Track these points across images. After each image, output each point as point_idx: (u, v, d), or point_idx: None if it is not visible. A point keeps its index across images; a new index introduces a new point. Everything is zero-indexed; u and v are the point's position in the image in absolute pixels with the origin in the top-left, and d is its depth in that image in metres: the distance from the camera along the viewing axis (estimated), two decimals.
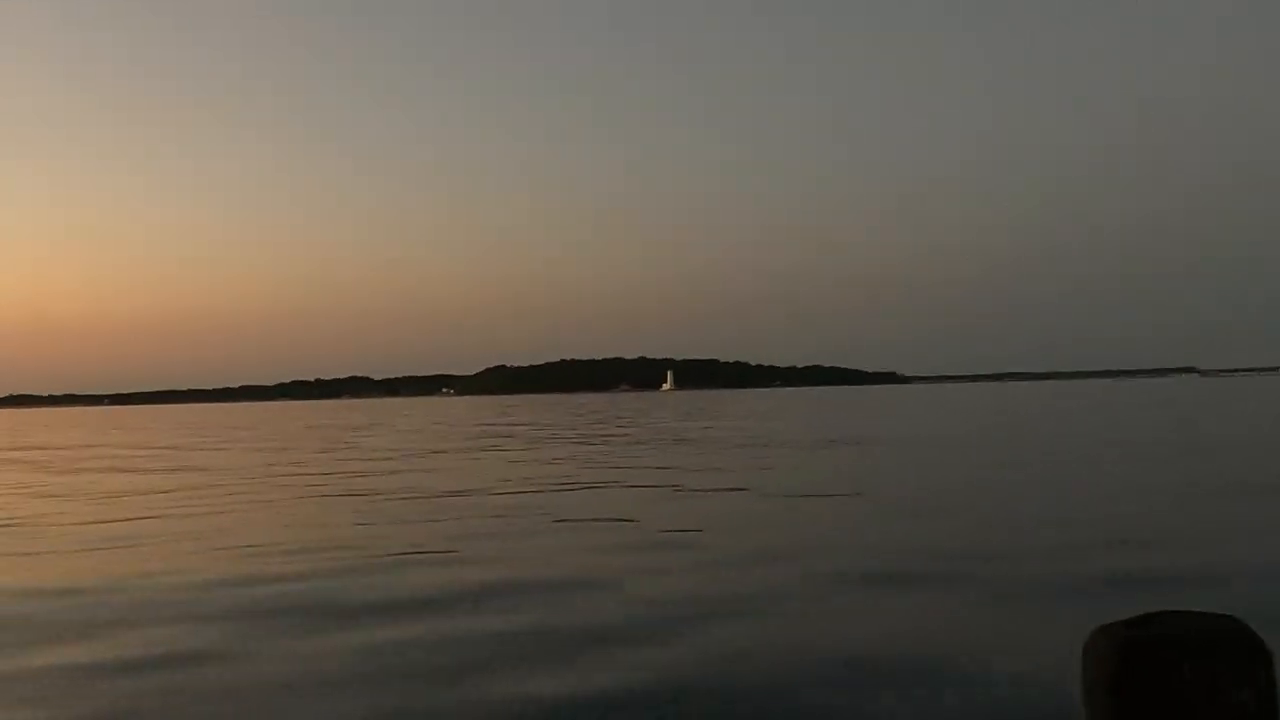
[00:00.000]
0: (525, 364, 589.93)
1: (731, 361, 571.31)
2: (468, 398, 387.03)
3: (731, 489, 16.56)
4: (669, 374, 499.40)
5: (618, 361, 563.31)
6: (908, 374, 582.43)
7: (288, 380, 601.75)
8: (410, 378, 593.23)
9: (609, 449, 27.59)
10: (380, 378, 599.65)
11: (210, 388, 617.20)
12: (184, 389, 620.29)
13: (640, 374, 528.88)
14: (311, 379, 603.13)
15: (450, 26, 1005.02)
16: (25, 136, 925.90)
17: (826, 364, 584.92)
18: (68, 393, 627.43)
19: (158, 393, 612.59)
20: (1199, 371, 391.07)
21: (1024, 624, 6.88)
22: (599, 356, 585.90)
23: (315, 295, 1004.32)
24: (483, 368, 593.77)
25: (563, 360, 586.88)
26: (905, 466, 20.07)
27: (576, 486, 17.71)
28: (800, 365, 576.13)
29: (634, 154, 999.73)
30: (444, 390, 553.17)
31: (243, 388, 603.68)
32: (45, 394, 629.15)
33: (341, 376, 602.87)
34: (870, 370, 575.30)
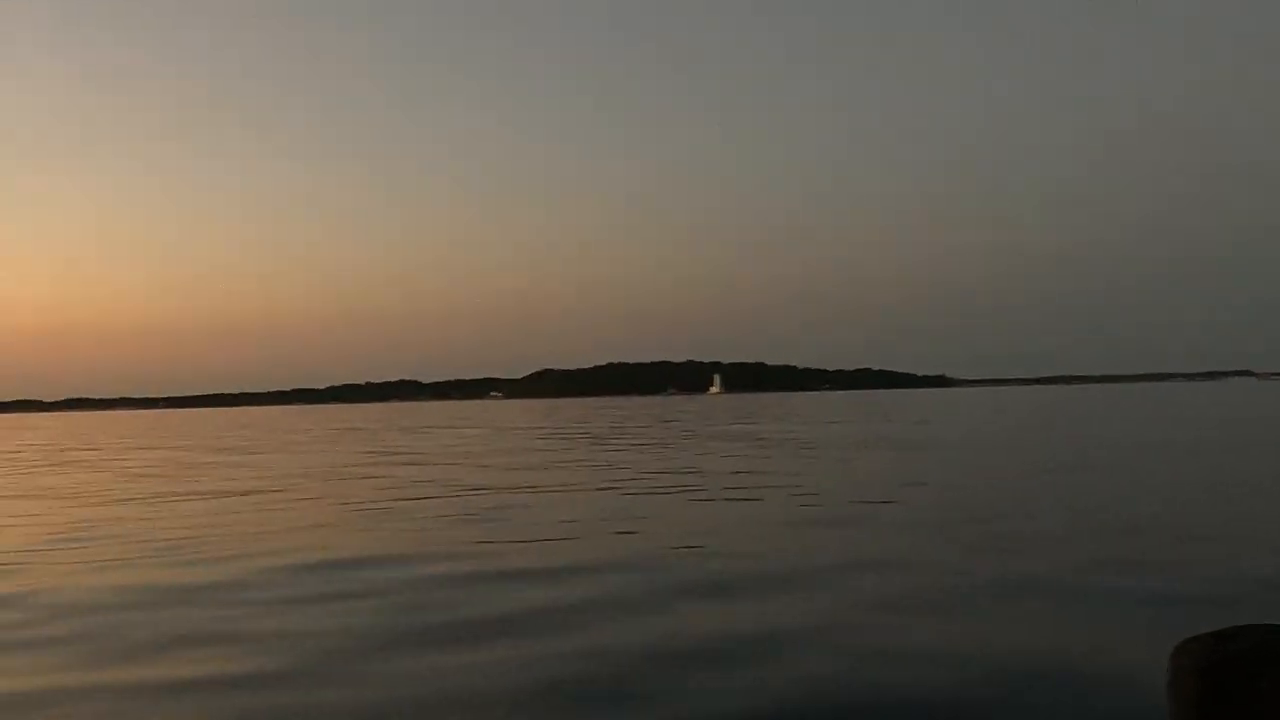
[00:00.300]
0: (572, 367, 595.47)
1: (779, 365, 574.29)
2: (516, 401, 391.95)
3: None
4: (716, 377, 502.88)
5: (665, 365, 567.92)
6: (958, 377, 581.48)
7: (339, 384, 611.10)
8: (458, 381, 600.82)
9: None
10: (429, 381, 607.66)
11: (263, 390, 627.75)
12: (235, 392, 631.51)
13: (687, 377, 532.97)
14: (361, 382, 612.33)
15: (482, 33, 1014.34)
16: (89, 150, 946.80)
17: (875, 367, 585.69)
18: (123, 395, 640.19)
19: (211, 396, 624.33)
20: (1254, 375, 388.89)
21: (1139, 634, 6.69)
22: (646, 360, 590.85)
23: (365, 300, 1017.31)
24: (530, 371, 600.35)
25: (609, 363, 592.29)
26: (974, 468, 20.42)
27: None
28: (849, 368, 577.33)
29: (679, 154, 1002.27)
30: (492, 394, 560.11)
31: (295, 390, 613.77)
32: (101, 397, 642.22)
33: (391, 380, 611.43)
34: (920, 374, 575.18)
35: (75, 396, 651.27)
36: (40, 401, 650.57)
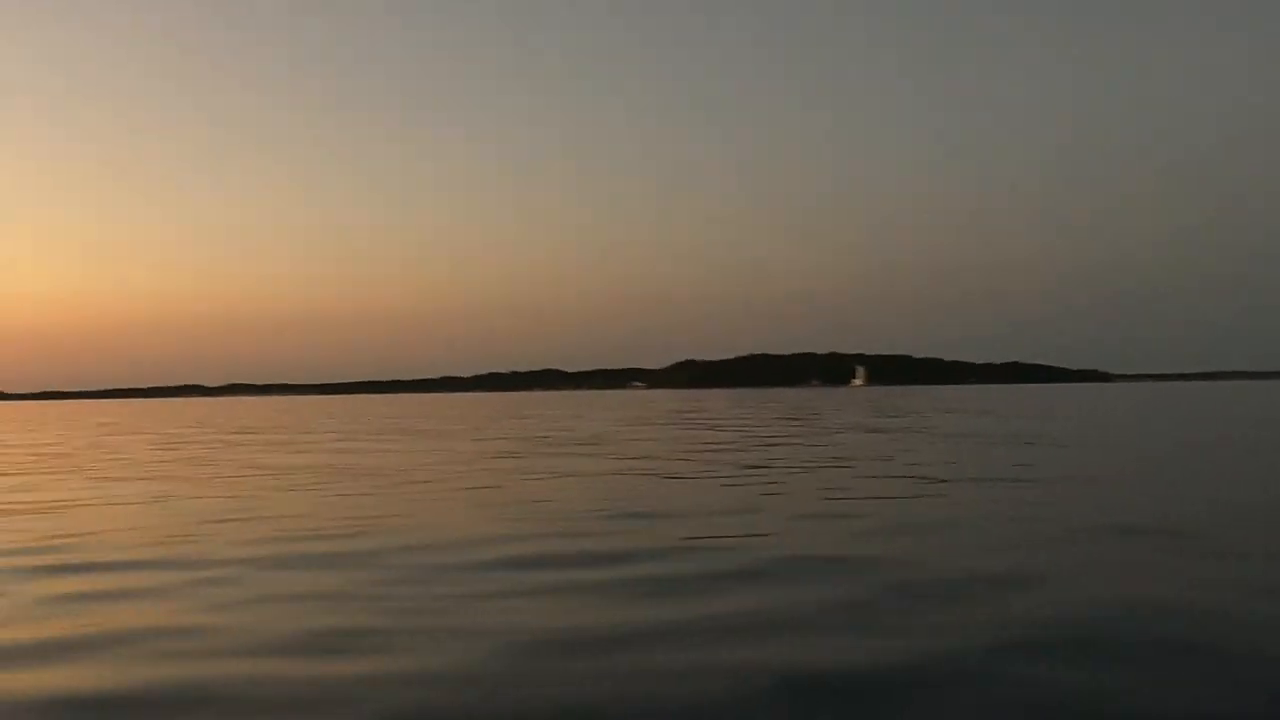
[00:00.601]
0: (714, 358, 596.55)
1: (924, 358, 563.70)
2: (658, 391, 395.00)
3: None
4: (859, 369, 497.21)
5: (808, 356, 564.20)
6: (1113, 372, 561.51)
7: (483, 373, 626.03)
8: (600, 371, 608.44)
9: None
10: (572, 371, 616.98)
11: (409, 379, 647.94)
12: (385, 380, 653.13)
13: (830, 369, 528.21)
14: (505, 371, 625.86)
15: (654, 27, 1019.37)
16: (255, 147, 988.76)
17: (1026, 361, 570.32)
18: (281, 382, 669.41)
19: (363, 383, 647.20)
20: None
21: None
22: (788, 351, 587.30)
23: (511, 290, 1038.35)
24: (672, 362, 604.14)
25: (751, 354, 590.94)
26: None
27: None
28: (998, 362, 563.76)
29: (824, 144, 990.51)
30: (633, 384, 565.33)
31: (442, 379, 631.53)
32: (260, 383, 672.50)
33: (535, 369, 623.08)
34: (1074, 368, 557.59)
35: (236, 382, 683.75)
36: (203, 386, 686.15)
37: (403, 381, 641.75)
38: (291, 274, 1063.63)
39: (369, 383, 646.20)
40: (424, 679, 4.56)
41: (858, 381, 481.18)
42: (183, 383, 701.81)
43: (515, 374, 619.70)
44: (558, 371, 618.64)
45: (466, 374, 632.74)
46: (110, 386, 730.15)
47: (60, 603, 6.34)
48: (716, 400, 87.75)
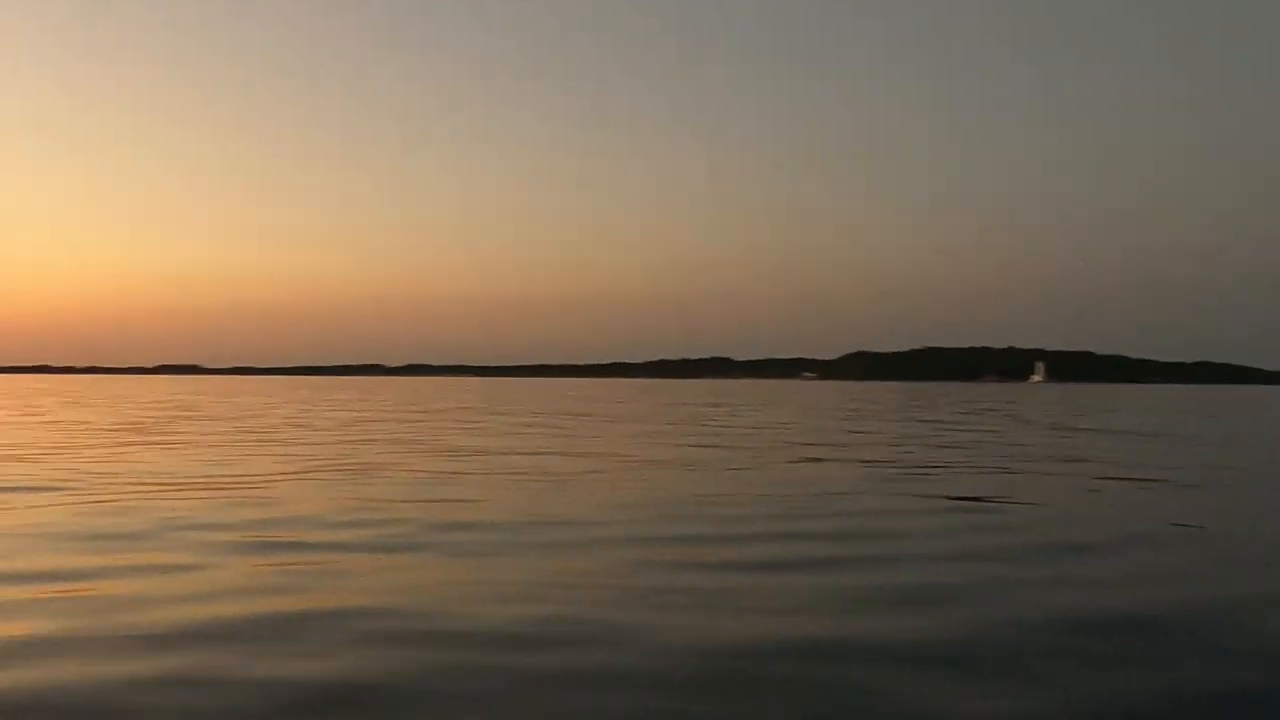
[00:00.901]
0: (887, 350, 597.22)
1: (1108, 354, 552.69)
2: (829, 383, 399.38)
3: None
4: (1039, 365, 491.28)
5: (984, 351, 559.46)
6: None
7: (654, 359, 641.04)
8: (771, 360, 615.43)
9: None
10: (742, 359, 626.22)
11: (582, 363, 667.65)
12: (556, 364, 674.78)
13: (1007, 364, 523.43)
14: (676, 359, 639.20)
15: (823, 20, 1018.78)
16: (447, 138, 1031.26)
17: (1217, 360, 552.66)
18: (458, 363, 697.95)
19: (536, 366, 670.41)
20: None
21: None
22: (963, 345, 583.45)
23: (683, 278, 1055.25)
24: (843, 353, 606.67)
25: (926, 348, 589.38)
26: None
27: None
28: (1187, 361, 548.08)
29: (1001, 139, 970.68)
30: (804, 374, 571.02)
31: (613, 364, 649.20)
32: (439, 364, 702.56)
33: (705, 357, 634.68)
34: (1271, 369, 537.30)
35: (415, 363, 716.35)
36: (384, 366, 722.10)
37: (575, 366, 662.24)
38: (466, 259, 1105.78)
39: (542, 366, 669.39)
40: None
41: (1036, 378, 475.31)
42: (366, 361, 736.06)
43: (686, 361, 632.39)
44: (728, 360, 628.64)
45: (637, 360, 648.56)
46: (298, 364, 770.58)
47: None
48: (894, 394, 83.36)
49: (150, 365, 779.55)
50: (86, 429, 22.95)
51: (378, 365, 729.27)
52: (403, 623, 5.23)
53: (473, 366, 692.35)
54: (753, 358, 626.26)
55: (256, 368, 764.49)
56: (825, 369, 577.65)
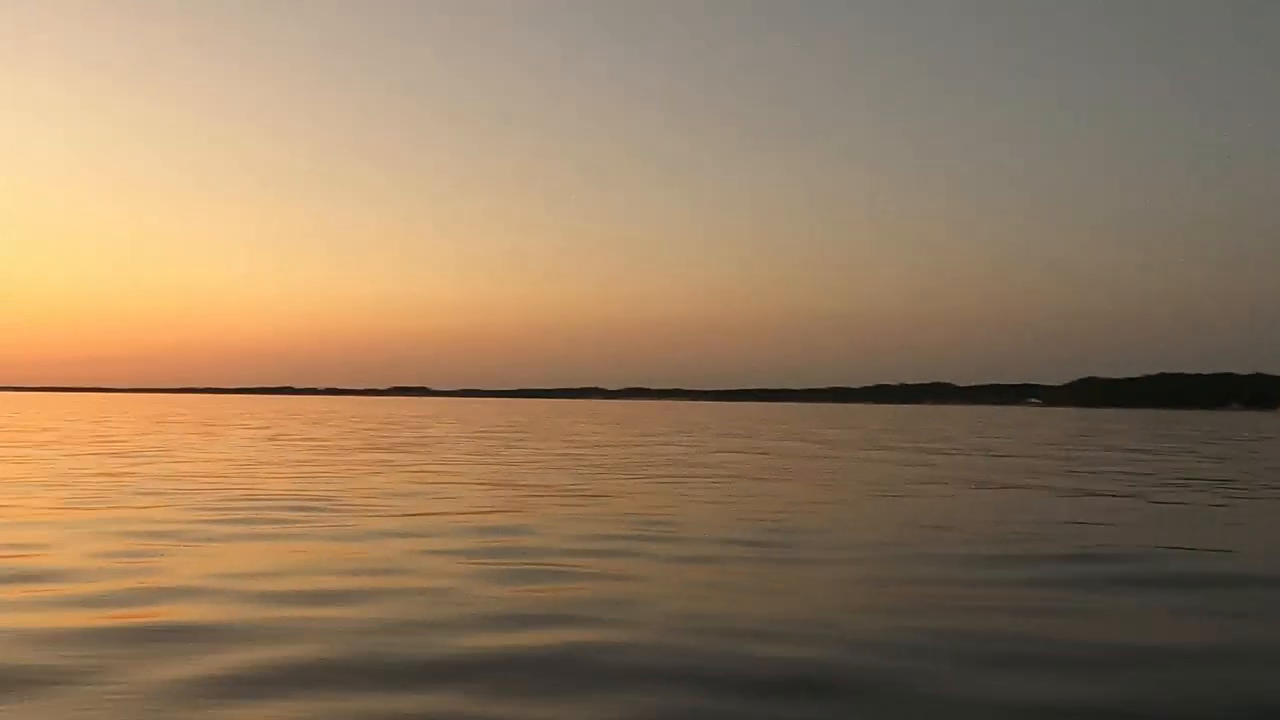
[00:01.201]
0: (1118, 376, 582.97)
1: None
2: (1057, 410, 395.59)
3: None
4: None
5: (1227, 377, 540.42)
6: None
7: (872, 384, 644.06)
8: (993, 386, 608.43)
9: None
10: (963, 385, 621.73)
11: (798, 388, 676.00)
12: (775, 388, 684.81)
13: (1253, 392, 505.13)
14: (895, 384, 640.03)
15: (964, 44, 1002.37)
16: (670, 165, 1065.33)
17: None
18: (676, 387, 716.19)
19: (752, 390, 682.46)
20: None
21: None
22: (1204, 371, 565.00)
23: (900, 301, 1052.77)
24: (1072, 378, 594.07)
25: (1161, 373, 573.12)
26: None
27: None
28: None
29: (1243, 160, 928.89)
30: (1029, 400, 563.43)
31: (830, 389, 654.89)
32: (657, 387, 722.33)
33: (924, 382, 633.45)
34: None
35: (634, 386, 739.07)
36: (604, 389, 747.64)
37: (792, 390, 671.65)
38: (687, 282, 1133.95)
39: (760, 390, 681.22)
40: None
41: None
42: (585, 385, 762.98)
43: (905, 386, 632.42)
44: (949, 385, 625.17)
45: (855, 385, 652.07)
46: (519, 386, 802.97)
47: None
48: (1127, 421, 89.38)
49: (384, 387, 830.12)
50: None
51: (597, 388, 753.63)
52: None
53: (689, 390, 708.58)
54: (975, 383, 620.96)
55: (481, 390, 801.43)
56: (1051, 395, 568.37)
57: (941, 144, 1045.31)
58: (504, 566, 8.49)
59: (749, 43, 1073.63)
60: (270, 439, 32.31)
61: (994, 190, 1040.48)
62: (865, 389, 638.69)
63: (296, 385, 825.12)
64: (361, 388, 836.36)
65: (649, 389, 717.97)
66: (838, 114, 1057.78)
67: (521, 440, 33.02)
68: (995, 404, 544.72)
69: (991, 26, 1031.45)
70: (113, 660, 5.34)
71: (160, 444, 27.96)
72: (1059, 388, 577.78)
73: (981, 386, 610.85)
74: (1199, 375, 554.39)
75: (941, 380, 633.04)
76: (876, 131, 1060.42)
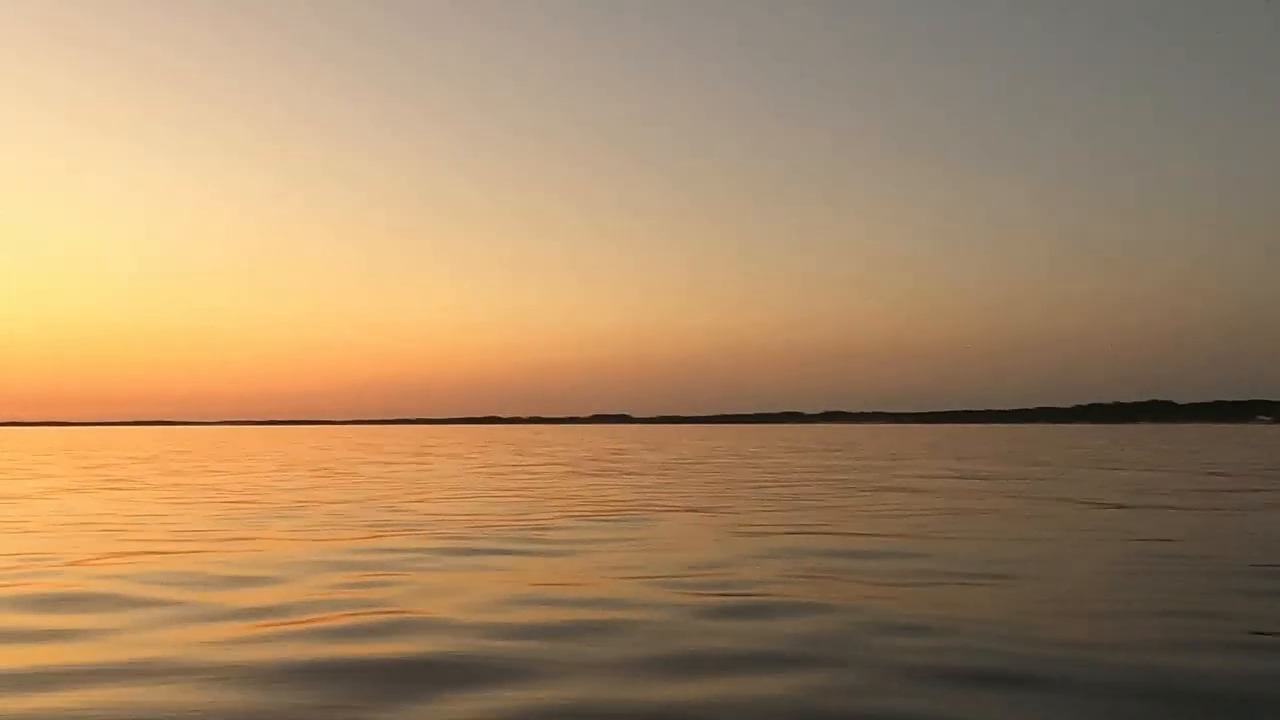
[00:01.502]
0: None
1: None
2: None
3: None
4: None
5: None
6: None
7: (1083, 403, 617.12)
8: (1218, 403, 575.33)
9: None
10: (1184, 402, 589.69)
11: (1003, 408, 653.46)
12: (979, 409, 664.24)
13: None
14: (1108, 402, 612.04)
15: (1142, 53, 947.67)
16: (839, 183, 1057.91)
17: None
18: (875, 410, 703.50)
19: (955, 412, 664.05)
20: None
21: None
22: None
23: (1111, 315, 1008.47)
24: None
25: None
26: None
27: None
28: None
29: None
30: (1259, 418, 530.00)
31: (1038, 409, 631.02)
32: (855, 410, 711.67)
33: (1141, 400, 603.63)
34: None
35: (832, 409, 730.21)
36: (801, 414, 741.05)
37: (997, 411, 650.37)
38: (880, 306, 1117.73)
39: (963, 411, 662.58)
40: None
41: None
42: (783, 409, 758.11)
43: (1119, 405, 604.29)
44: (1168, 403, 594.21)
45: (1064, 404, 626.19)
46: (718, 412, 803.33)
47: None
48: None
49: (585, 415, 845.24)
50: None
51: (795, 413, 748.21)
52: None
53: (889, 414, 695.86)
54: (1196, 400, 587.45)
55: (680, 416, 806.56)
56: None
57: (1130, 153, 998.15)
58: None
59: (917, 62, 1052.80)
60: (482, 466, 32.61)
61: (1197, 193, 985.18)
62: (1075, 408, 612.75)
63: (502, 415, 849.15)
64: (563, 416, 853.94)
65: (847, 412, 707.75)
66: (1013, 128, 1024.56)
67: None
68: (1221, 422, 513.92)
69: (1168, 35, 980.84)
70: (365, 699, 5.19)
71: (377, 473, 28.67)
72: None
73: (1204, 404, 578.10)
74: None
75: (1159, 398, 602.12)
76: (1055, 144, 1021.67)
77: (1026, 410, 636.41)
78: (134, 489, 22.32)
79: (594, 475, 26.68)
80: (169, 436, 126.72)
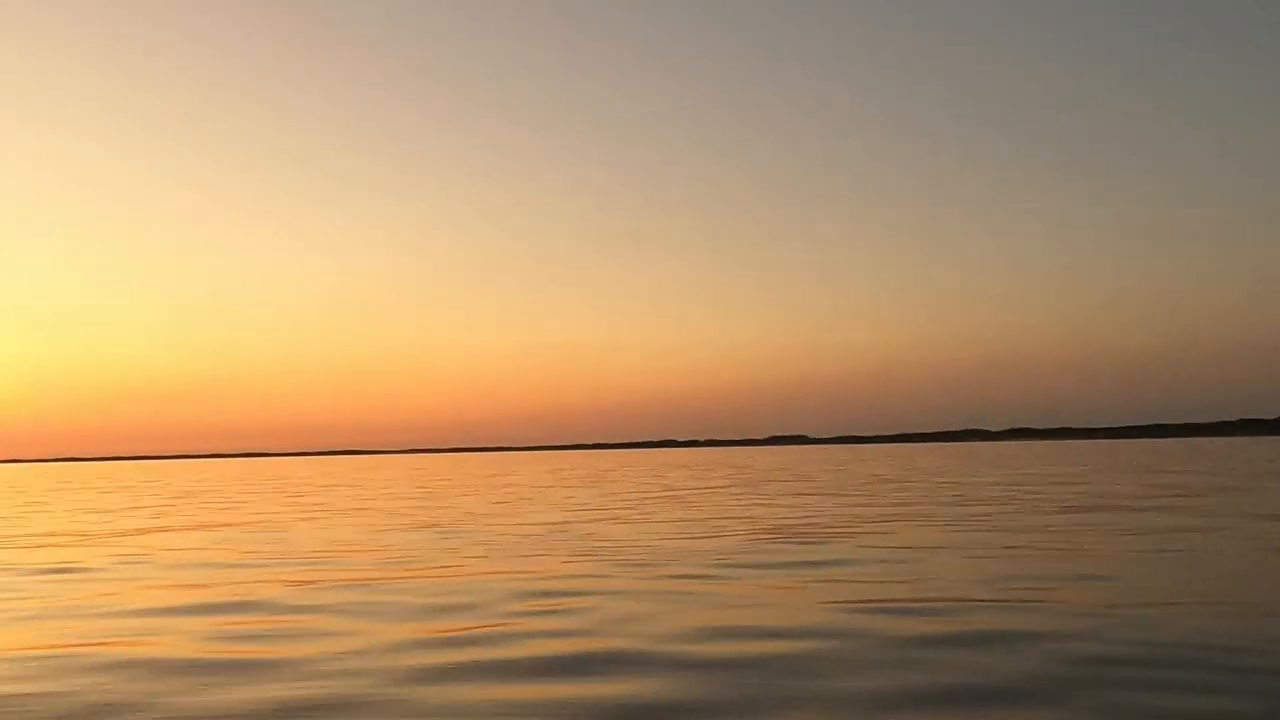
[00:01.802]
0: None
1: None
2: None
3: None
4: None
5: None
6: None
7: (1246, 417, 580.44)
8: None
9: None
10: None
11: (1203, 421, 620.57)
12: (1164, 424, 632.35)
13: None
14: (1272, 417, 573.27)
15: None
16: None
17: None
18: (1062, 425, 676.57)
19: (1141, 427, 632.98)
20: None
21: None
22: None
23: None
24: None
25: None
26: None
27: None
28: None
29: None
30: None
31: (1242, 421, 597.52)
32: (1042, 427, 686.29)
33: (1230, 420, 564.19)
34: None
35: (1018, 426, 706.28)
36: (986, 431, 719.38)
37: (1194, 425, 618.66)
38: (1059, 318, 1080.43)
39: (1151, 426, 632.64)
40: None
41: None
42: (965, 427, 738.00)
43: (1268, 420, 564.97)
44: (1258, 420, 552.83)
45: (1212, 419, 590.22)
46: (898, 431, 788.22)
47: None
48: None
49: (761, 437, 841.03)
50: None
51: (979, 430, 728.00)
52: None
53: (1078, 429, 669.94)
54: None
55: (859, 436, 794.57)
56: None
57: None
58: None
59: (1044, 74, 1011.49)
60: (664, 489, 32.46)
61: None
62: (1225, 423, 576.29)
63: (678, 438, 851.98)
64: (740, 438, 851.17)
65: (1034, 429, 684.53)
66: (1148, 136, 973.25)
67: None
68: None
69: None
70: None
71: (557, 499, 28.54)
72: None
73: None
74: None
75: (1248, 416, 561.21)
76: (1192, 152, 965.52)
77: (1228, 423, 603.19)
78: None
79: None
80: (367, 464, 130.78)
